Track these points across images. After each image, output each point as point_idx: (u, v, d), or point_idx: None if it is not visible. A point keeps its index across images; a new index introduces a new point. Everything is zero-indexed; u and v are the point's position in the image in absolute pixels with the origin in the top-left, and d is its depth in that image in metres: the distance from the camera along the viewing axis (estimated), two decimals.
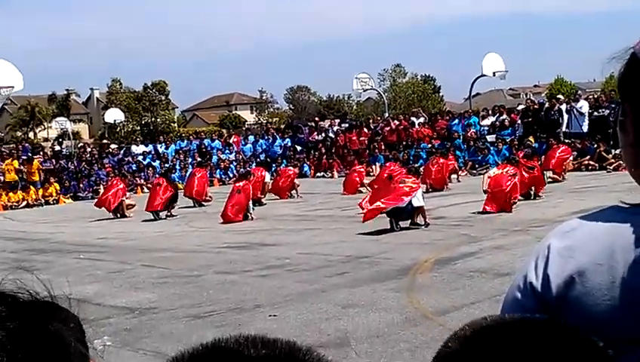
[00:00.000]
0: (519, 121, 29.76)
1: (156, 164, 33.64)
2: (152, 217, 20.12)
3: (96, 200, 23.58)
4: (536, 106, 30.44)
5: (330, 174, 31.70)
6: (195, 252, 13.65)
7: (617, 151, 23.65)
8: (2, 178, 29.53)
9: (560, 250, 1.27)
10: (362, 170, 25.58)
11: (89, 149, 36.34)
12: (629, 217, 1.23)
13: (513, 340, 0.92)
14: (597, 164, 24.53)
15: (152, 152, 35.45)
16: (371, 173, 26.23)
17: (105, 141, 44.30)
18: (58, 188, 29.88)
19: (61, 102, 75.39)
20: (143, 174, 32.56)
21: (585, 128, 27.28)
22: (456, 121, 32.09)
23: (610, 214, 1.26)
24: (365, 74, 42.69)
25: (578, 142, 25.62)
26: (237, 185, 19.32)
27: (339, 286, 9.61)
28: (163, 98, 68.50)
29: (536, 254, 1.31)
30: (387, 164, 25.00)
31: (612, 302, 1.20)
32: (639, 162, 1.29)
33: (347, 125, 36.58)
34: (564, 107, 28.43)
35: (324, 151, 34.02)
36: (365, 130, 34.69)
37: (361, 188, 23.24)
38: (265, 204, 21.80)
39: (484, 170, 25.77)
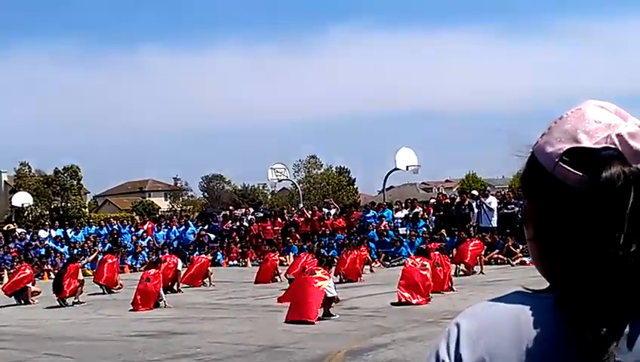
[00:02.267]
0: (432, 215, 30.38)
1: (64, 249, 32.78)
2: (58, 304, 19.48)
3: (1, 286, 22.75)
4: (447, 200, 31.22)
5: (243, 263, 31.46)
6: (102, 340, 13.22)
7: (523, 246, 24.35)
8: None
9: (470, 332, 1.29)
10: (276, 259, 25.47)
11: None
12: (531, 300, 1.28)
13: None
14: (506, 258, 25.13)
15: (62, 237, 34.57)
16: (285, 263, 26.15)
17: (11, 225, 42.98)
18: None
19: None
20: (50, 260, 31.62)
21: (494, 223, 28.02)
22: (371, 212, 32.51)
23: (514, 298, 1.30)
24: (281, 164, 43.06)
25: (488, 237, 26.25)
26: (147, 272, 18.99)
27: None
28: (75, 183, 67.22)
29: (446, 335, 1.32)
30: (301, 254, 24.98)
31: None
32: (540, 255, 1.33)
33: (261, 214, 36.58)
34: (474, 202, 29.20)
35: (238, 239, 33.84)
36: (279, 219, 34.77)
37: (276, 277, 23.15)
38: (181, 291, 21.43)
39: (397, 262, 26.11)
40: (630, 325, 1.20)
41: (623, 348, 1.19)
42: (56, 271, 28.10)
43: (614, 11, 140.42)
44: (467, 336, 1.29)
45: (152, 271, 18.98)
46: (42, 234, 35.16)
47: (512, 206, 27.90)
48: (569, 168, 1.25)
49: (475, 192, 31.05)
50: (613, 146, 1.25)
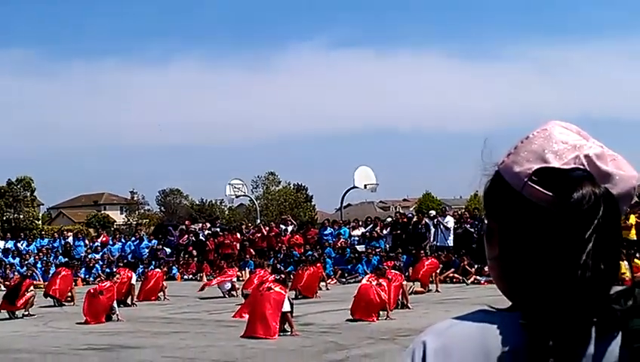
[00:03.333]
0: (387, 232, 30.49)
1: (16, 261, 32.24)
2: (7, 316, 19.12)
3: None
4: (404, 219, 31.39)
5: (199, 277, 31.21)
6: (52, 354, 12.99)
7: (478, 266, 24.58)
8: None
9: (436, 350, 1.28)
10: (233, 274, 25.32)
11: None
12: (495, 318, 1.28)
13: None
14: (461, 277, 25.32)
15: (12, 249, 33.99)
16: (241, 279, 26.00)
17: None
18: None
19: None
20: (0, 271, 31.06)
21: (450, 242, 28.23)
22: (328, 229, 32.54)
23: (480, 316, 1.30)
24: (238, 180, 42.99)
25: (443, 255, 26.42)
26: (101, 285, 18.77)
27: None
28: (28, 194, 66.23)
29: (411, 352, 1.30)
30: (257, 270, 24.85)
31: None
32: (503, 274, 1.34)
33: (218, 229, 36.39)
34: (431, 222, 29.39)
35: (194, 254, 33.59)
36: (238, 235, 34.59)
37: (232, 292, 23.04)
38: (135, 305, 21.19)
39: (353, 279, 26.13)
40: (595, 345, 1.20)
41: None
42: (6, 283, 27.66)
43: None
44: (434, 355, 1.28)
45: (106, 283, 18.77)
46: None
47: (468, 226, 28.17)
48: (538, 188, 1.26)
49: (432, 212, 31.25)
50: (582, 167, 1.27)
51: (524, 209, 1.27)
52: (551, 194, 1.25)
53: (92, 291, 18.22)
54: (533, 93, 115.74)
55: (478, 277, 23.83)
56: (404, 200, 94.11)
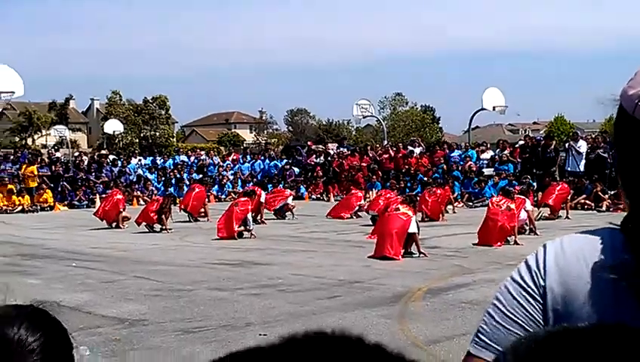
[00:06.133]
0: (518, 158, 29.86)
1: (153, 176, 33.68)
2: (147, 230, 20.11)
3: (93, 210, 23.63)
4: (534, 141, 30.60)
5: (326, 198, 31.71)
6: (188, 266, 13.62)
7: (613, 192, 23.76)
8: (23, 184, 29.64)
9: (555, 252, 1.33)
10: (360, 195, 25.62)
11: (86, 158, 36.28)
12: (614, 233, 1.29)
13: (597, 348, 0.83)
14: (593, 204, 24.58)
15: (150, 165, 35.49)
16: (367, 199, 26.21)
17: (103, 151, 44.30)
18: (51, 195, 29.84)
19: (60, 110, 75.50)
20: (139, 186, 32.56)
21: (582, 167, 27.39)
22: (456, 152, 32.20)
23: (603, 232, 1.32)
24: (366, 100, 42.86)
25: (575, 181, 25.69)
26: (239, 199, 19.31)
27: (330, 309, 9.60)
28: (163, 112, 68.53)
29: (535, 253, 1.37)
30: (383, 191, 25.01)
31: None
32: (625, 200, 1.33)
33: (346, 149, 36.65)
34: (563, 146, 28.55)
35: (321, 174, 34.08)
36: (365, 156, 34.73)
37: (359, 213, 23.35)
38: (265, 223, 21.75)
39: (480, 203, 25.88)
40: None
41: None
42: (145, 197, 29.02)
43: None
44: (553, 255, 1.33)
45: (243, 199, 19.29)
46: (133, 161, 36.13)
47: (601, 151, 27.16)
48: None
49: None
50: None
51: (635, 132, 1.25)
52: None
53: (232, 205, 18.85)
54: None
55: (611, 203, 23.03)
56: (535, 123, 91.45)
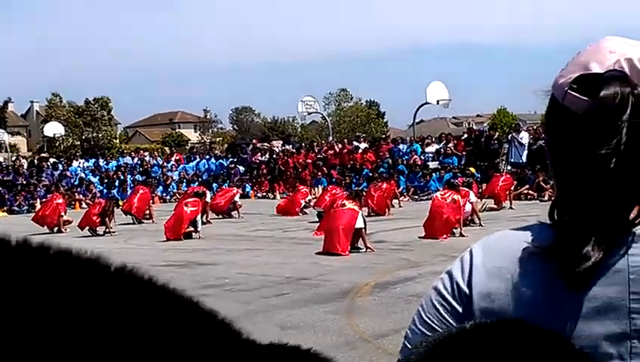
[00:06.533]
0: (463, 151, 30.16)
1: (96, 179, 33.18)
2: (90, 233, 19.77)
3: (33, 214, 23.14)
4: (476, 133, 30.94)
5: (272, 195, 31.60)
6: None
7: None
8: None
9: (483, 251, 1.33)
10: (306, 191, 25.58)
11: (25, 162, 35.53)
12: (543, 228, 1.29)
13: (494, 341, 0.90)
14: (535, 193, 24.94)
15: (92, 168, 34.95)
16: (313, 196, 26.21)
17: (44, 155, 43.46)
18: None
19: None
20: (81, 189, 32.02)
21: (524, 158, 27.78)
22: (400, 146, 32.38)
23: (532, 227, 1.32)
24: (311, 97, 42.85)
25: (518, 172, 26.03)
26: (189, 200, 19.11)
27: (277, 307, 9.53)
28: (105, 114, 67.57)
29: (461, 257, 1.37)
30: (329, 187, 25.01)
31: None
32: (554, 191, 1.34)
33: (291, 146, 36.60)
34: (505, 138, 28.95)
35: (266, 172, 33.96)
36: (310, 152, 34.72)
37: (305, 210, 23.32)
38: (210, 222, 21.57)
39: (425, 196, 26.07)
40: (616, 255, 1.19)
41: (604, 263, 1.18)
42: (87, 201, 28.54)
43: None
44: (481, 254, 1.33)
45: (192, 199, 19.09)
46: (75, 164, 35.53)
47: (543, 141, 27.57)
48: (575, 94, 1.24)
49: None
50: (619, 69, 1.23)
51: (564, 119, 1.26)
52: (586, 98, 1.22)
53: (181, 203, 18.65)
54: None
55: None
56: (478, 115, 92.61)
